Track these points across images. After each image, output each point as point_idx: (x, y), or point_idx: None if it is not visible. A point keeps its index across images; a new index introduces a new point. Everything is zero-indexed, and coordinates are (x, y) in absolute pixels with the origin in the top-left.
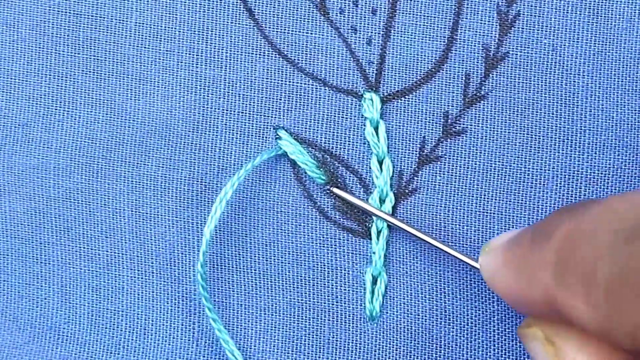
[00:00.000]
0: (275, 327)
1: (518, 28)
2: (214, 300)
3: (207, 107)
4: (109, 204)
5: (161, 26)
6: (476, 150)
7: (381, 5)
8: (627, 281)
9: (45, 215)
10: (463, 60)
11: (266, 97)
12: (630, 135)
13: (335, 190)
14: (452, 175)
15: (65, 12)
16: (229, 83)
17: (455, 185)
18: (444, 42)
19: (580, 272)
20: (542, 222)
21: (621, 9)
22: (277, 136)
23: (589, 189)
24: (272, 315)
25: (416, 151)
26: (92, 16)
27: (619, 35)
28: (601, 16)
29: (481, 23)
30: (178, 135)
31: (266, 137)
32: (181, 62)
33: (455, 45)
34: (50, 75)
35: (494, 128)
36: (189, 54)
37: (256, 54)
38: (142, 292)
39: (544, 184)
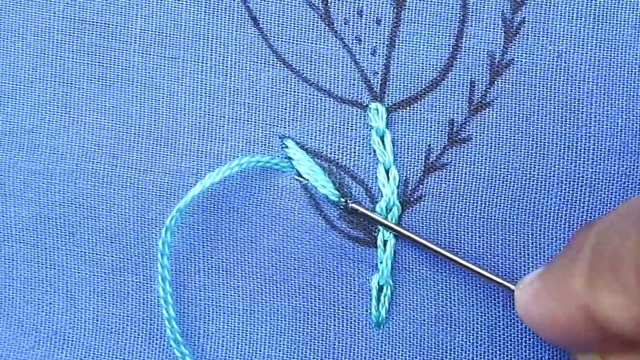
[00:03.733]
0: (282, 334)
1: (523, 35)
2: (222, 306)
3: (212, 115)
4: (114, 209)
5: (166, 33)
6: (481, 157)
7: (386, 15)
8: None
9: (51, 221)
10: (468, 68)
11: (271, 107)
12: (636, 141)
13: (354, 205)
14: (457, 182)
15: (70, 18)
16: (233, 92)
17: (461, 193)
18: (448, 50)
19: (612, 266)
20: (569, 242)
21: (626, 15)
22: (283, 145)
23: (595, 196)
24: (279, 322)
25: (422, 159)
26: (97, 23)
27: (624, 41)
28: (606, 22)
29: (486, 30)
30: (183, 142)
31: (271, 147)
32: (186, 70)
33: (460, 53)
34: (55, 81)
35: (499, 135)
36: (194, 62)
37: (261, 63)
38: (147, 297)
39: (549, 191)
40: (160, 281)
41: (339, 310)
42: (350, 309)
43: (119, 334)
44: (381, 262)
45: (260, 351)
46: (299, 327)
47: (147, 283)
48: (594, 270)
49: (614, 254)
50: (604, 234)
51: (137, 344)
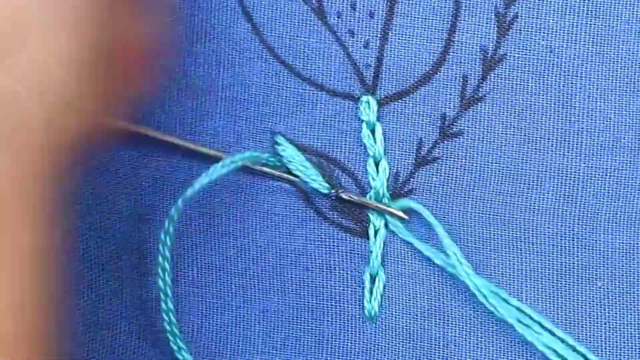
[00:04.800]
0: (273, 328)
1: (516, 30)
2: (216, 302)
3: (205, 111)
4: (107, 207)
5: None
6: (473, 151)
7: (379, 8)
8: None
9: None
10: (461, 62)
11: (262, 101)
12: (627, 136)
13: (344, 195)
14: (448, 176)
15: None
16: (225, 87)
17: (452, 187)
18: (441, 44)
19: None
20: None
21: (619, 10)
22: (274, 141)
23: (587, 191)
24: (270, 315)
25: (413, 153)
26: None
27: (616, 36)
28: (599, 17)
29: (479, 25)
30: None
31: (262, 141)
32: (178, 65)
33: (453, 47)
34: None
35: (491, 130)
36: (186, 57)
37: (253, 57)
38: (140, 293)
39: (540, 186)
40: (159, 272)
41: (331, 304)
42: (343, 303)
43: (113, 330)
44: (371, 252)
45: (253, 346)
46: (292, 322)
47: (139, 279)
48: None
49: None
50: None
51: (131, 340)
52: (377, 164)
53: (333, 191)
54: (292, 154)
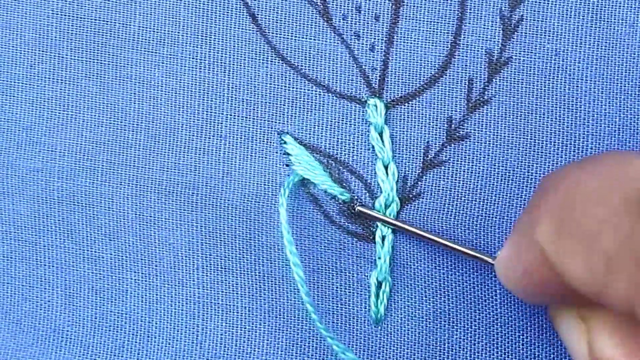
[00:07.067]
0: (280, 330)
1: (521, 33)
2: (221, 303)
3: (211, 112)
4: (113, 207)
5: (165, 30)
6: (480, 154)
7: (384, 11)
8: (633, 253)
9: (49, 218)
10: (466, 65)
11: (269, 103)
12: (633, 139)
13: (360, 208)
14: (456, 179)
15: (69, 15)
16: (232, 88)
17: (459, 190)
18: (447, 47)
19: (581, 234)
20: (546, 176)
21: (624, 13)
22: (281, 141)
23: None
24: (277, 318)
25: (420, 156)
26: (95, 20)
27: (622, 39)
28: (604, 20)
29: (484, 28)
30: (182, 139)
31: (270, 143)
32: (185, 67)
33: (459, 50)
34: (53, 78)
35: (497, 133)
36: (193, 59)
37: (259, 60)
38: (145, 295)
39: None
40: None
41: (337, 307)
42: (349, 306)
43: (116, 332)
44: (379, 258)
45: (258, 348)
46: (298, 324)
47: (145, 280)
48: (562, 225)
49: (588, 225)
50: (584, 193)
51: (135, 342)
52: (385, 167)
53: (348, 203)
54: (300, 153)
